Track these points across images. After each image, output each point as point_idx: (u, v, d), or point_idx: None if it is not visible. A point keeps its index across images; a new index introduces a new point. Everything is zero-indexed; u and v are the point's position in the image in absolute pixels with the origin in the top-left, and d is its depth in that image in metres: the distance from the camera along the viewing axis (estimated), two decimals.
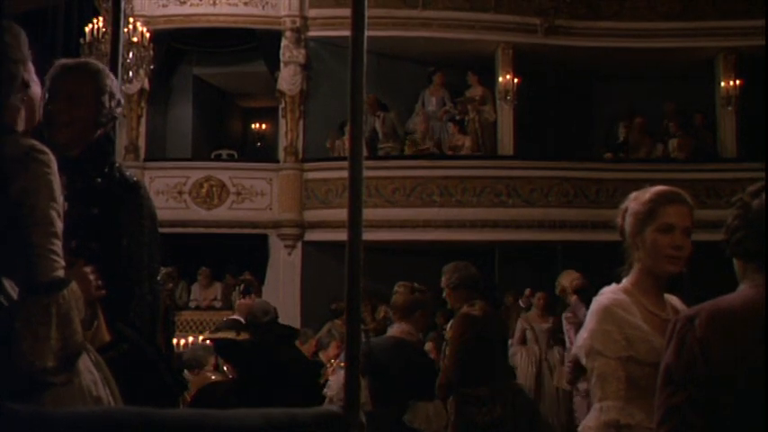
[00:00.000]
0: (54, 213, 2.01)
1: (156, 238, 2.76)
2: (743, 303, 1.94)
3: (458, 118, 13.06)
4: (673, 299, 2.66)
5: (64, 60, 2.70)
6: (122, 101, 2.76)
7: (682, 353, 1.90)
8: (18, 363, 1.92)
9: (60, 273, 2.00)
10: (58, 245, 2.00)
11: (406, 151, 12.90)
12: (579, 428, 2.58)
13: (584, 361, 2.56)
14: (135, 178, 2.77)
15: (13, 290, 1.99)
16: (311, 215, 12.52)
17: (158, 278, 3.14)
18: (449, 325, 5.25)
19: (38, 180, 1.99)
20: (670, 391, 1.90)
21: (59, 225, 2.02)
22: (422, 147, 12.86)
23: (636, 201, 2.63)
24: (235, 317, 7.76)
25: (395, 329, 4.94)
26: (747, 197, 2.02)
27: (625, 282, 2.61)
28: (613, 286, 2.62)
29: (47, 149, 2.05)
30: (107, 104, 2.65)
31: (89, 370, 2.16)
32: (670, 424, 1.89)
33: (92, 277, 2.39)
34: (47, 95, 2.55)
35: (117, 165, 2.73)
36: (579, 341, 2.61)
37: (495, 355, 5.18)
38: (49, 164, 2.02)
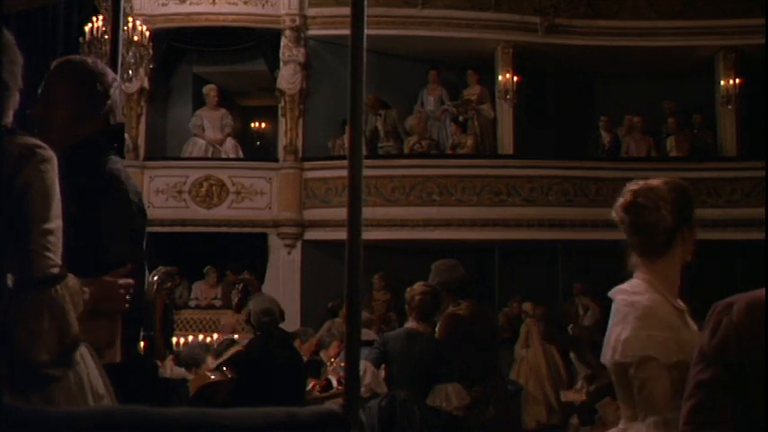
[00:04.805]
0: (51, 211, 2.02)
1: (142, 234, 2.72)
2: None
3: (461, 119, 13.07)
4: None
5: (56, 60, 2.69)
6: (113, 92, 2.70)
7: (716, 334, 1.90)
8: (15, 357, 1.94)
9: (54, 270, 2.02)
10: (52, 242, 2.02)
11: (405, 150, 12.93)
12: None
13: (631, 369, 2.41)
14: (118, 172, 2.69)
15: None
16: (311, 214, 12.52)
17: (156, 276, 3.13)
18: (437, 327, 5.28)
19: (36, 176, 2.01)
20: (701, 368, 1.91)
21: (57, 222, 2.03)
22: (414, 143, 12.86)
23: (676, 191, 2.57)
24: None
25: (410, 323, 5.15)
26: None
27: (650, 276, 2.52)
28: (640, 282, 2.53)
29: (47, 146, 2.06)
30: (86, 102, 2.62)
31: (87, 362, 2.18)
32: (696, 398, 1.90)
33: (122, 291, 2.40)
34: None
35: (110, 161, 2.67)
36: (619, 347, 2.43)
37: (484, 355, 5.22)
38: (48, 160, 2.04)
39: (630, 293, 2.51)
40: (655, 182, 2.61)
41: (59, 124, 2.58)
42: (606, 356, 2.52)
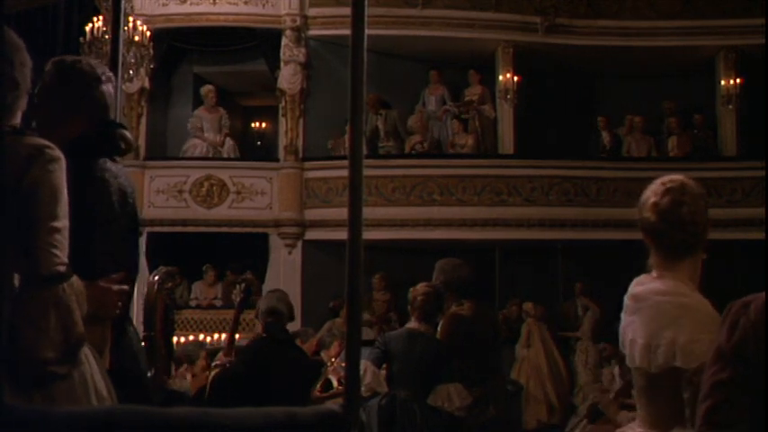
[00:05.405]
0: (58, 210, 2.03)
1: (130, 235, 2.67)
2: None
3: (463, 117, 13.07)
4: None
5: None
6: (97, 93, 2.65)
7: (734, 333, 1.87)
8: (21, 355, 1.95)
9: (61, 268, 2.02)
10: (60, 240, 2.02)
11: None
12: None
13: (686, 374, 2.31)
14: (102, 172, 2.59)
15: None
16: (311, 214, 12.52)
17: (157, 276, 3.12)
18: (439, 326, 5.28)
19: (44, 176, 2.02)
20: (718, 368, 1.88)
21: (64, 222, 2.04)
22: (415, 143, 12.86)
23: (700, 187, 2.52)
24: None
25: (411, 323, 5.16)
26: None
27: (676, 274, 2.46)
28: (675, 282, 2.44)
29: (55, 147, 2.07)
30: (66, 102, 2.60)
31: (91, 363, 2.19)
32: (714, 398, 1.87)
33: (116, 297, 2.39)
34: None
35: (100, 162, 2.60)
36: (678, 352, 2.32)
37: (485, 356, 5.22)
38: (56, 160, 2.05)
39: (676, 294, 2.42)
40: (683, 179, 2.54)
41: (46, 125, 2.54)
42: (652, 361, 2.40)
